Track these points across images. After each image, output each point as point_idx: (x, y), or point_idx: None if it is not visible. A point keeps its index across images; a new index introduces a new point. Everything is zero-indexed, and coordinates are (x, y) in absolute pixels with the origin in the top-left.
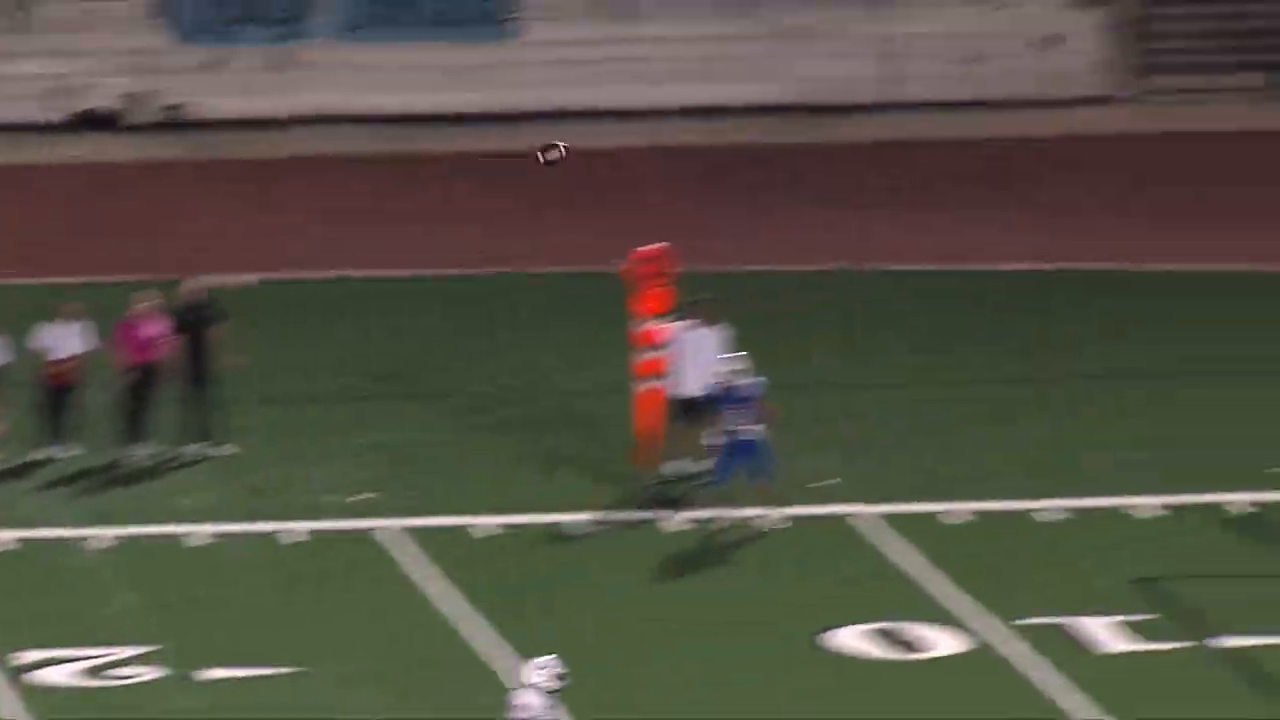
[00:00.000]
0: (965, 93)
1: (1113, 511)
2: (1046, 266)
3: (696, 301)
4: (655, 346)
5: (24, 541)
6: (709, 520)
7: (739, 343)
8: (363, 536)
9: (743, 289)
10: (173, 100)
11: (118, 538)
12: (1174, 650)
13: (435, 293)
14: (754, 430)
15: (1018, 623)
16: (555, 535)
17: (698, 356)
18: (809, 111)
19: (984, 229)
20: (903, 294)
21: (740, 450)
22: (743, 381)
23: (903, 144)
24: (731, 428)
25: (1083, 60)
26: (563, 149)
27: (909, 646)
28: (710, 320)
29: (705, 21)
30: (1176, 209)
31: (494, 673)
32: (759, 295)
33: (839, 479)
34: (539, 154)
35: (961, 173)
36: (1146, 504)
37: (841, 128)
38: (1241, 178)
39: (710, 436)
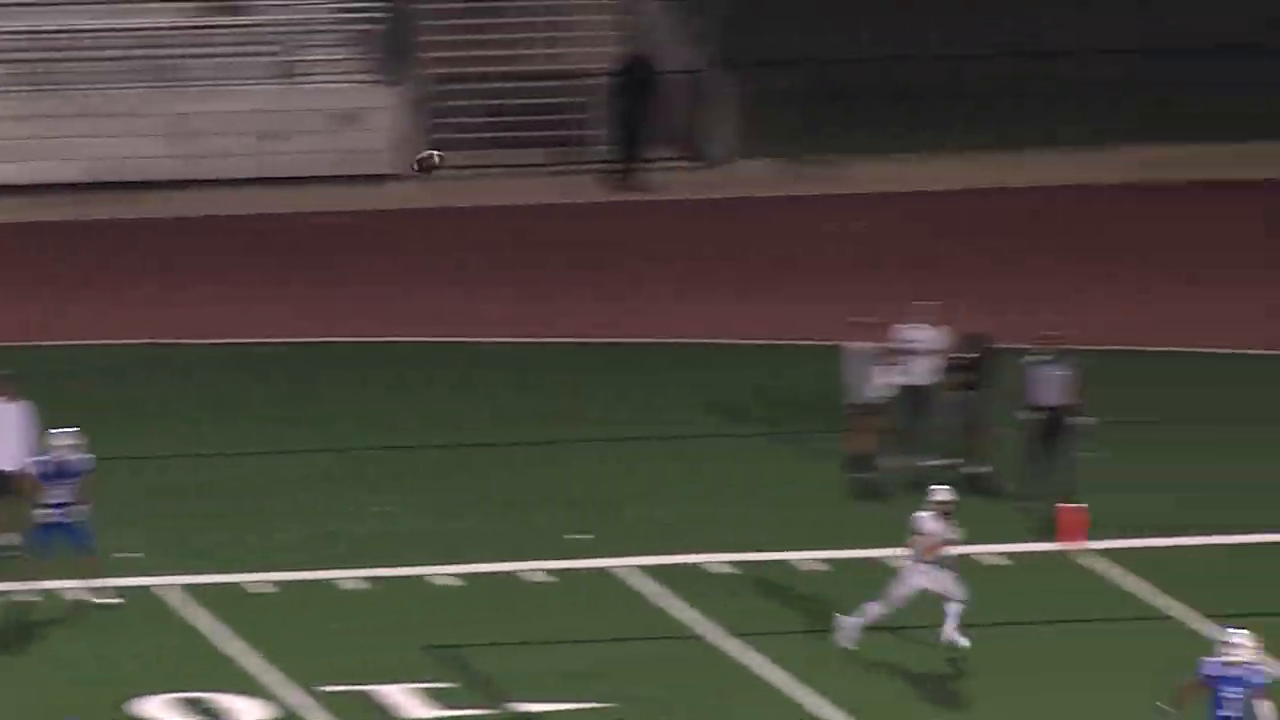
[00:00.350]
0: (263, 169)
1: (410, 580)
2: (350, 339)
3: None
4: None
5: None
6: (12, 593)
7: (45, 419)
8: None
9: (43, 365)
10: None
11: None
12: (472, 716)
13: None
14: (77, 510)
15: (321, 690)
16: None
17: (3, 432)
18: (107, 189)
19: (268, 302)
20: (206, 368)
21: (60, 528)
22: (73, 457)
23: (200, 220)
24: (56, 503)
25: (380, 137)
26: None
27: (214, 715)
28: (12, 396)
29: (4, 100)
30: (468, 280)
31: None
32: (61, 371)
33: (143, 552)
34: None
35: (255, 248)
36: (442, 573)
37: (140, 204)
38: (530, 249)
39: (37, 514)
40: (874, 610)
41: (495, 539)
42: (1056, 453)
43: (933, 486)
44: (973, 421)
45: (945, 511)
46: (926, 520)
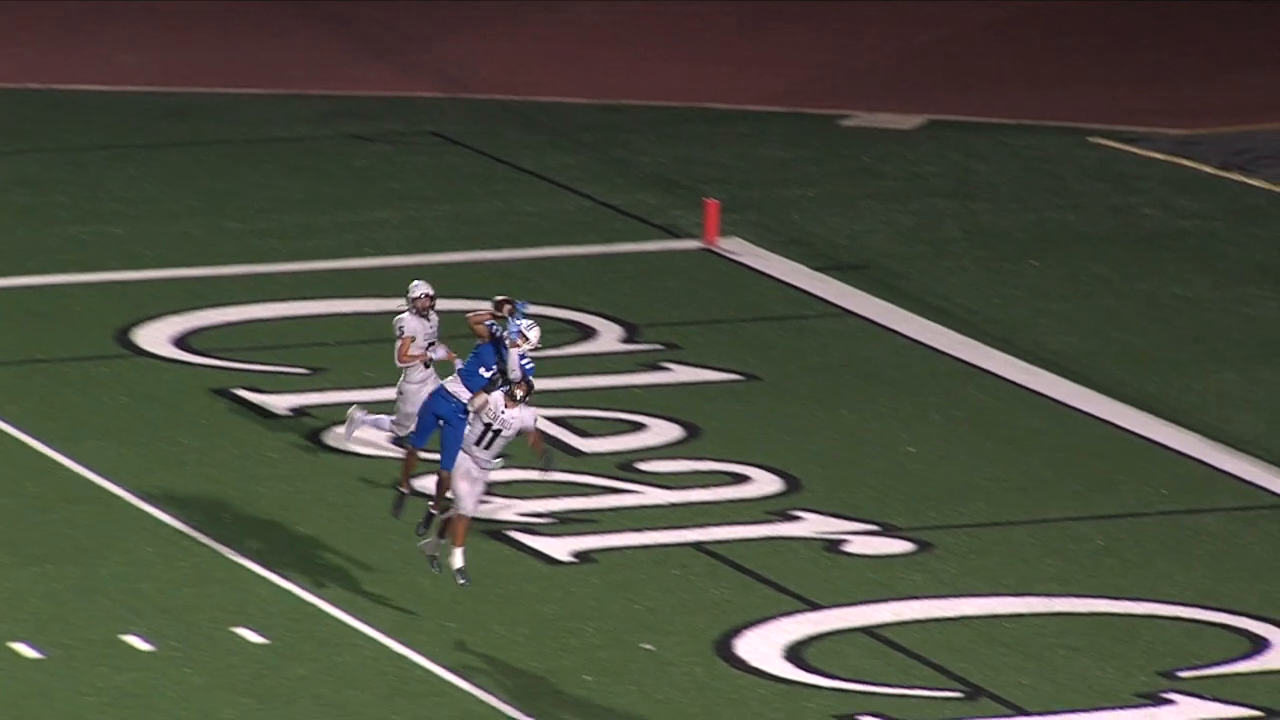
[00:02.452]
0: None
1: None
2: None
3: None
4: None
5: None
6: None
7: None
8: None
9: None
10: None
11: None
12: None
13: None
14: None
15: None
16: None
17: None
18: None
19: None
20: None
21: None
22: None
23: None
24: None
25: None
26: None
27: None
28: None
29: None
30: None
31: None
32: None
33: None
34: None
35: None
36: None
37: None
38: None
39: None
40: (384, 422)
41: None
42: None
43: (415, 281)
44: None
45: (425, 308)
46: (409, 320)
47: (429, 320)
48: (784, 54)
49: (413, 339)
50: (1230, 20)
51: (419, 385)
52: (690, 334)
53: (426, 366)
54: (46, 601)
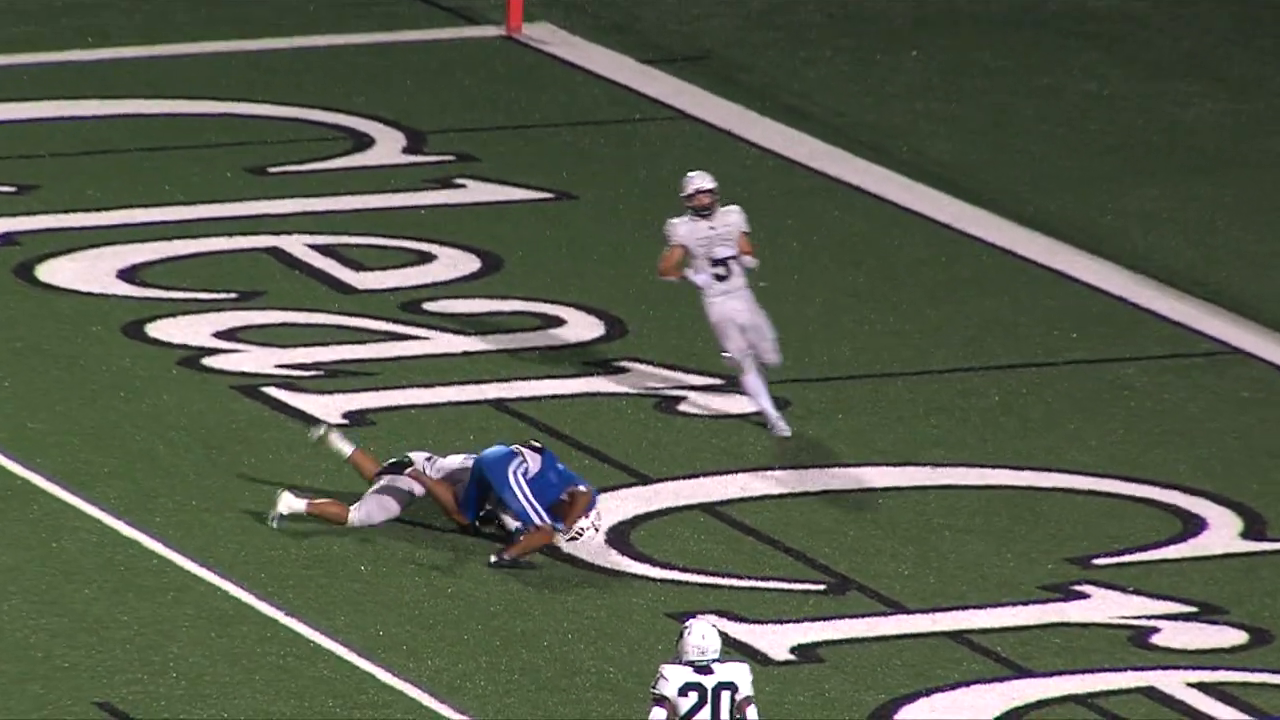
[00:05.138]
0: None
1: None
2: None
3: None
4: None
5: None
6: None
7: None
8: None
9: None
10: None
11: None
12: None
13: None
14: None
15: None
16: None
17: None
18: None
19: None
20: None
21: None
22: None
23: None
24: None
25: None
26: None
27: None
28: None
29: None
30: None
31: None
32: None
33: None
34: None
35: None
36: None
37: None
38: None
39: None
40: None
41: None
42: None
43: (690, 174)
44: None
45: (703, 207)
46: (680, 225)
47: (711, 223)
48: None
49: (683, 249)
50: None
51: (721, 297)
52: (489, 142)
53: (722, 280)
54: None
